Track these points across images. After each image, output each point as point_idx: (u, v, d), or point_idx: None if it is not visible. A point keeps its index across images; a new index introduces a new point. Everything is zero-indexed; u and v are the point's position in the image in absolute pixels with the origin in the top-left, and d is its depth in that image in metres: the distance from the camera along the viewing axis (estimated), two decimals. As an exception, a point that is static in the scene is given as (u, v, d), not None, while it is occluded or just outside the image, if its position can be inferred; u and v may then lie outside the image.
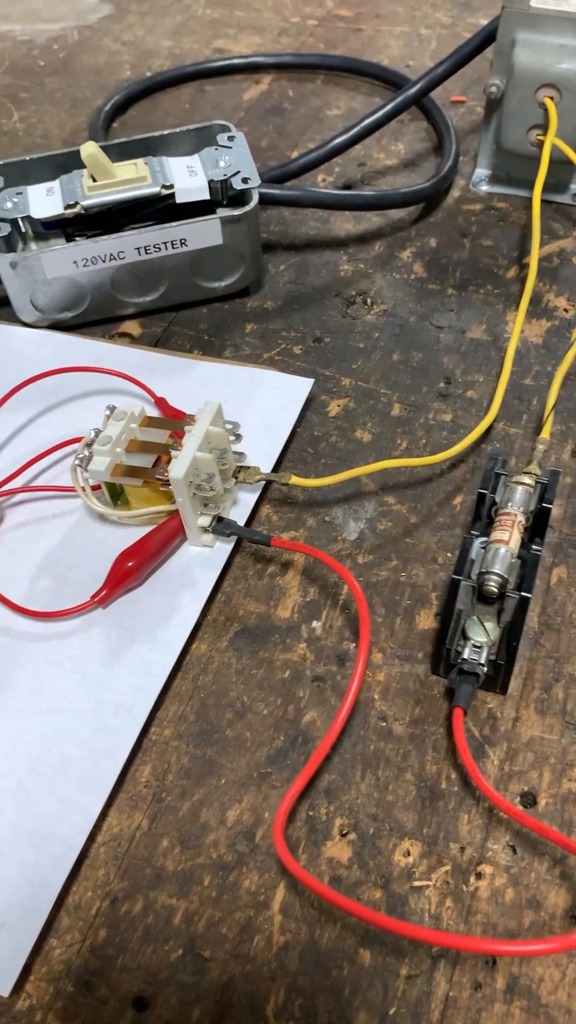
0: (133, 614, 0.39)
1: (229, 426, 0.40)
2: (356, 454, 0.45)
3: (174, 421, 0.42)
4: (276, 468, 0.45)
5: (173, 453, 0.39)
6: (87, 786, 0.34)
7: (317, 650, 0.38)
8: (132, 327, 0.53)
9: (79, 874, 0.33)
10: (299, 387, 0.47)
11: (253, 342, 0.51)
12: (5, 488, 0.43)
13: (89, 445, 0.40)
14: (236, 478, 0.41)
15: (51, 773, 0.34)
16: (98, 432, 0.41)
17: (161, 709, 0.37)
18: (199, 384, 0.48)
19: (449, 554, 0.41)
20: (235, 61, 0.72)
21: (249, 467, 0.42)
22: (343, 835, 0.33)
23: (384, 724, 0.36)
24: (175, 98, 0.71)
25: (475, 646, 0.35)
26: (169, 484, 0.39)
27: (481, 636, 0.35)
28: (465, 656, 0.35)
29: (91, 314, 0.52)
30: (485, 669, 0.35)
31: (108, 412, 0.41)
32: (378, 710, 0.36)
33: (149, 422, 0.42)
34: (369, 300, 0.53)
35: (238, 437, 0.41)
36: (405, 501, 0.43)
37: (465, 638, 0.36)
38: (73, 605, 0.39)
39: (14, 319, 0.52)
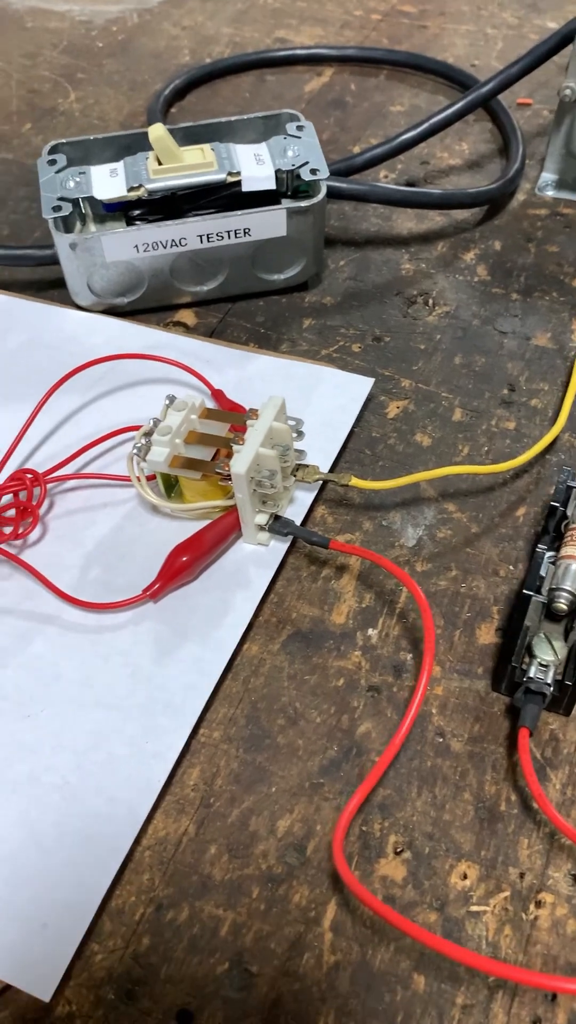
0: (185, 611, 0.38)
1: (292, 423, 0.39)
2: (415, 458, 0.44)
3: (234, 414, 0.40)
4: (333, 468, 0.43)
5: (235, 448, 0.38)
6: (135, 786, 0.33)
7: (373, 659, 0.37)
8: (187, 316, 0.52)
9: (123, 877, 0.32)
10: (359, 386, 0.46)
11: (311, 338, 0.50)
12: (56, 475, 0.42)
13: (147, 435, 0.39)
14: (295, 476, 0.40)
15: (98, 771, 0.33)
16: (157, 421, 0.39)
17: (210, 710, 0.36)
18: (257, 378, 0.47)
19: (511, 567, 0.40)
20: (297, 51, 0.71)
21: (308, 466, 0.40)
22: (397, 853, 0.32)
23: (442, 740, 0.35)
24: (235, 86, 0.70)
25: (541, 665, 0.34)
26: (228, 479, 0.37)
27: (548, 655, 0.34)
28: (531, 675, 0.34)
29: (147, 301, 0.51)
30: (552, 689, 0.34)
31: (168, 402, 0.40)
32: (436, 725, 0.35)
33: (208, 414, 0.40)
34: (431, 301, 0.52)
35: (300, 435, 0.40)
36: (466, 509, 0.42)
37: (531, 656, 0.34)
38: (124, 598, 0.37)
39: (69, 302, 0.51)
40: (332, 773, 0.34)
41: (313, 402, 0.45)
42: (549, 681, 0.34)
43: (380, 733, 0.35)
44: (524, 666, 0.34)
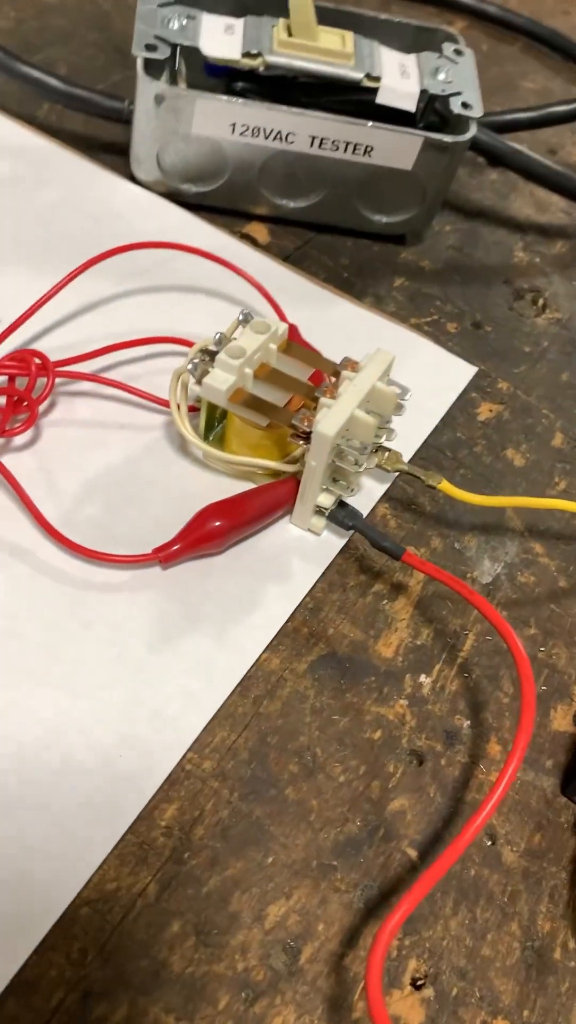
0: (202, 591, 0.28)
1: (397, 390, 0.30)
2: (503, 477, 0.36)
3: (323, 359, 0.31)
4: (410, 462, 0.35)
5: (323, 401, 0.29)
6: (93, 815, 0.24)
7: (422, 715, 0.29)
8: (259, 231, 0.42)
9: (45, 939, 0.22)
10: (458, 373, 0.38)
11: (400, 300, 0.41)
12: (70, 369, 0.32)
13: (208, 353, 0.30)
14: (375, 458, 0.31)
15: (47, 781, 0.24)
16: (223, 339, 0.30)
17: (205, 730, 0.26)
18: (337, 326, 0.38)
19: (598, 641, 0.32)
20: (434, -11, 0.62)
21: (391, 450, 0.32)
22: (417, 986, 0.24)
23: (492, 845, 0.27)
24: (355, 3, 0.61)
25: None
26: (302, 437, 0.29)
27: None
28: (629, 792, 0.26)
29: (218, 197, 0.41)
30: None
31: (241, 317, 0.31)
32: (487, 823, 0.27)
33: (290, 350, 0.31)
34: (541, 301, 0.44)
35: (401, 408, 0.31)
36: (555, 555, 0.34)
37: (629, 766, 0.27)
38: (126, 552, 0.28)
39: (124, 171, 0.41)
40: (350, 856, 0.25)
41: (400, 377, 0.36)
42: None
43: (417, 817, 0.27)
44: (620, 778, 0.27)
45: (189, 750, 0.26)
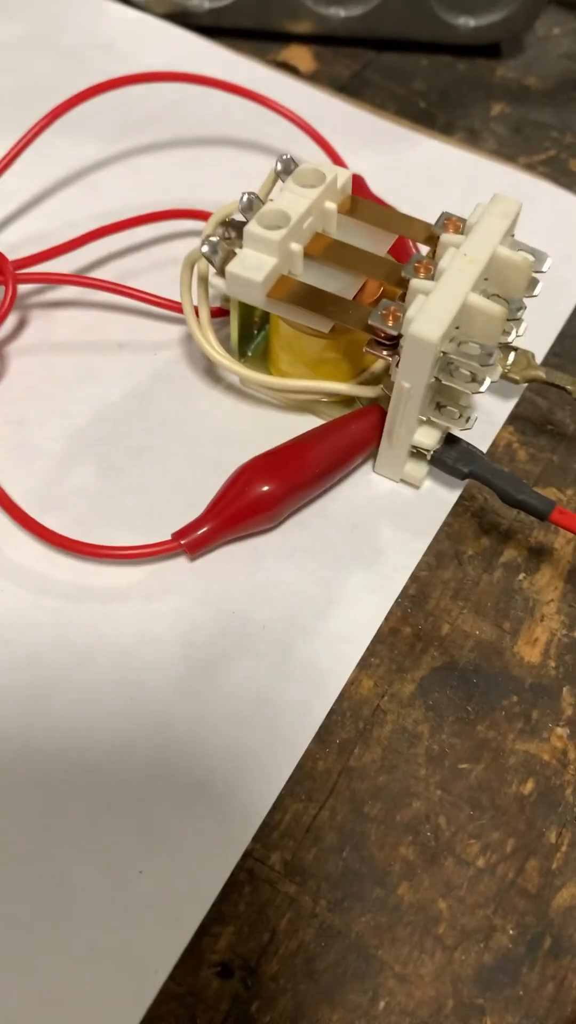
0: (248, 589, 0.19)
1: (529, 257, 0.20)
2: None
3: (406, 218, 0.21)
4: (543, 361, 0.24)
5: (416, 284, 0.18)
6: (115, 964, 0.15)
7: (591, 748, 0.19)
8: (300, 56, 0.31)
9: None
10: (597, 227, 0.26)
11: (501, 133, 0.30)
12: (37, 270, 0.22)
13: (231, 226, 0.20)
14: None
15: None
16: (254, 201, 0.20)
17: (271, 808, 0.18)
18: (421, 175, 0.27)
19: None
20: None
21: (518, 351, 0.21)
22: None
23: None
24: None
25: None
26: (388, 345, 0.18)
27: None
28: None
29: (242, 14, 0.30)
30: None
31: (280, 167, 0.20)
32: None
33: (355, 209, 0.21)
34: None
35: (534, 285, 0.20)
36: None
37: None
38: (134, 541, 0.19)
39: (111, -14, 0.30)
40: (502, 984, 0.17)
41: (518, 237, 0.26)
42: None
43: (601, 916, 0.18)
44: None
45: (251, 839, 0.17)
